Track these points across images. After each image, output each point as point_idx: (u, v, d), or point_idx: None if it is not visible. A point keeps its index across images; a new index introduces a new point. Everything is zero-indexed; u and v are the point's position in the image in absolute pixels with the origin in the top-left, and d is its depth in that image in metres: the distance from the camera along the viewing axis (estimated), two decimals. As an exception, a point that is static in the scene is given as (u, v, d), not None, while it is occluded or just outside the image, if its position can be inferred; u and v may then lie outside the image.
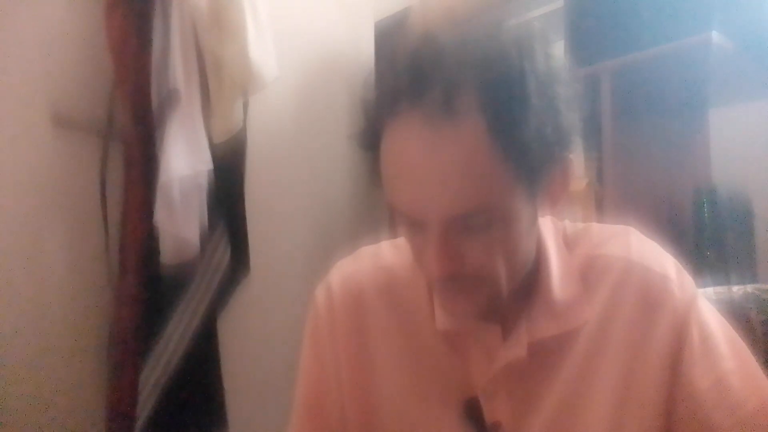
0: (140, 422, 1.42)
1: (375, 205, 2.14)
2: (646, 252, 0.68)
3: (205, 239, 1.56)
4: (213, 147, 1.58)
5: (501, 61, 0.55)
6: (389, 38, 1.88)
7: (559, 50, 1.45)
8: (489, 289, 0.61)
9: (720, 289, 0.88)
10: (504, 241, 0.59)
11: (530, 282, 0.66)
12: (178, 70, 1.51)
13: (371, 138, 0.61)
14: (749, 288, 0.87)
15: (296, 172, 1.97)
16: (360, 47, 2.13)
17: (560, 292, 0.66)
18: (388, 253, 0.77)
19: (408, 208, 0.58)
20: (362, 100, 0.63)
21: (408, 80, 0.56)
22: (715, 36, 1.24)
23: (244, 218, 1.72)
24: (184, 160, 1.50)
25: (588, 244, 0.70)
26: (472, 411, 0.67)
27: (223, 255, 1.63)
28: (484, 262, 0.59)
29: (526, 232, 0.61)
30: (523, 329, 0.66)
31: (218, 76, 1.60)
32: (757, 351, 0.66)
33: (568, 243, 0.70)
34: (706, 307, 0.66)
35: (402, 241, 0.77)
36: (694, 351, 0.63)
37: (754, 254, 1.48)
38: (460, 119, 0.54)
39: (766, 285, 0.88)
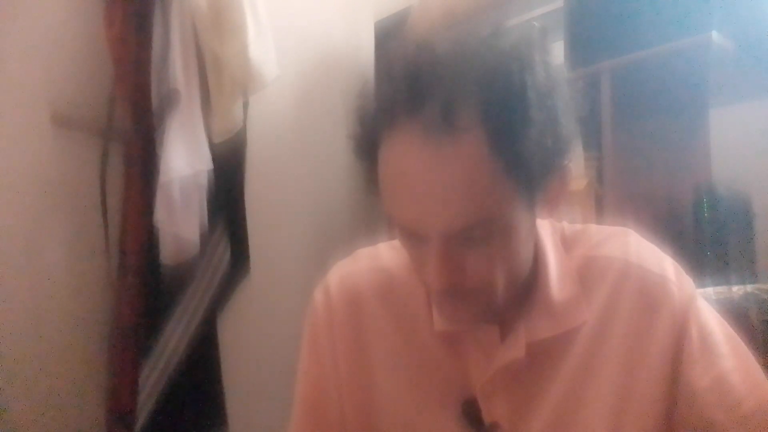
0: (140, 422, 1.42)
1: (374, 204, 2.13)
2: (644, 253, 0.68)
3: (205, 239, 1.56)
4: (213, 147, 1.58)
5: (501, 74, 0.55)
6: (387, 44, 1.88)
7: (558, 50, 1.45)
8: (488, 296, 0.62)
9: (720, 289, 0.88)
10: (504, 251, 0.59)
11: (528, 283, 0.66)
12: (178, 70, 1.51)
13: (367, 148, 0.61)
14: (749, 288, 0.87)
15: (296, 172, 1.97)
16: (360, 47, 2.13)
17: (558, 292, 0.66)
18: (386, 254, 0.77)
19: (408, 221, 0.58)
20: (358, 109, 0.62)
21: (406, 92, 0.56)
22: (715, 36, 1.24)
23: (244, 218, 1.72)
24: (184, 160, 1.50)
25: (586, 245, 0.70)
26: (470, 411, 0.67)
27: (223, 255, 1.63)
28: (484, 272, 0.59)
29: (524, 240, 0.61)
30: (521, 330, 0.66)
31: (218, 76, 1.60)
32: (757, 351, 0.66)
33: (566, 244, 0.71)
34: (705, 306, 0.67)
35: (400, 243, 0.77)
36: (694, 350, 0.63)
37: (754, 254, 1.48)
38: (460, 133, 0.54)
39: (766, 285, 0.88)
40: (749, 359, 0.65)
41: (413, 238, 0.60)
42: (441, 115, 0.54)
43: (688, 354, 0.63)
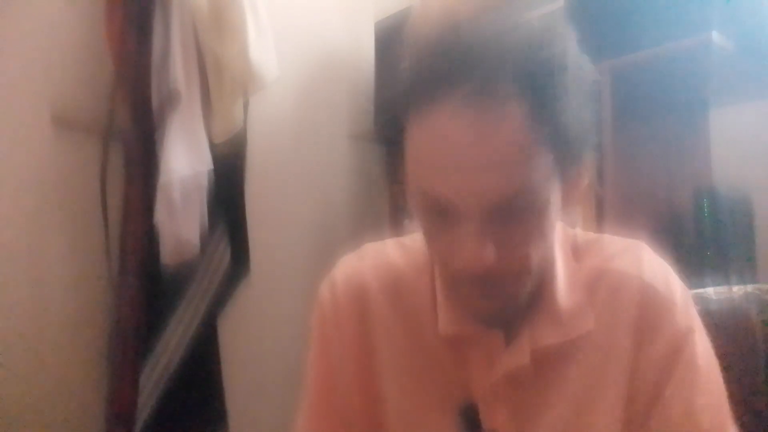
0: (140, 422, 1.42)
1: (375, 204, 2.13)
2: (656, 271, 0.68)
3: (205, 239, 1.56)
4: (213, 147, 1.58)
5: (540, 45, 0.56)
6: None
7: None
8: (513, 287, 0.61)
9: (720, 289, 0.88)
10: (536, 231, 0.58)
11: (535, 289, 0.65)
12: (178, 70, 1.51)
13: (396, 129, 0.60)
14: (749, 288, 0.87)
15: (296, 172, 1.97)
16: (360, 47, 2.13)
17: (564, 300, 0.66)
18: (393, 252, 0.76)
19: (445, 194, 0.56)
20: (383, 92, 0.62)
21: (446, 66, 0.55)
22: (715, 36, 1.24)
23: (244, 218, 1.72)
24: (184, 160, 1.50)
25: (598, 256, 0.69)
26: (470, 417, 0.66)
27: (223, 255, 1.63)
28: (516, 254, 0.58)
29: (552, 224, 0.61)
30: (525, 336, 0.65)
31: (218, 76, 1.60)
32: (757, 351, 0.66)
33: (578, 252, 0.70)
34: (700, 337, 0.66)
35: (407, 240, 0.76)
36: (680, 379, 0.63)
37: (754, 254, 1.48)
38: (503, 102, 0.54)
39: (766, 285, 0.88)
40: (722, 401, 0.65)
41: (445, 217, 0.58)
42: (483, 86, 0.53)
43: (674, 382, 0.63)
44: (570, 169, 0.59)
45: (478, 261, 0.56)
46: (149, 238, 1.47)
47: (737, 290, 0.87)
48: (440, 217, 0.58)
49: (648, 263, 0.68)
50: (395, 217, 2.00)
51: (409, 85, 0.58)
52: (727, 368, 0.68)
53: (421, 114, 0.57)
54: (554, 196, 0.58)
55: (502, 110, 0.54)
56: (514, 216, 0.56)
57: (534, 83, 0.54)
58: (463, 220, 0.56)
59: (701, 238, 1.43)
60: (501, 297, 0.61)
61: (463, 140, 0.54)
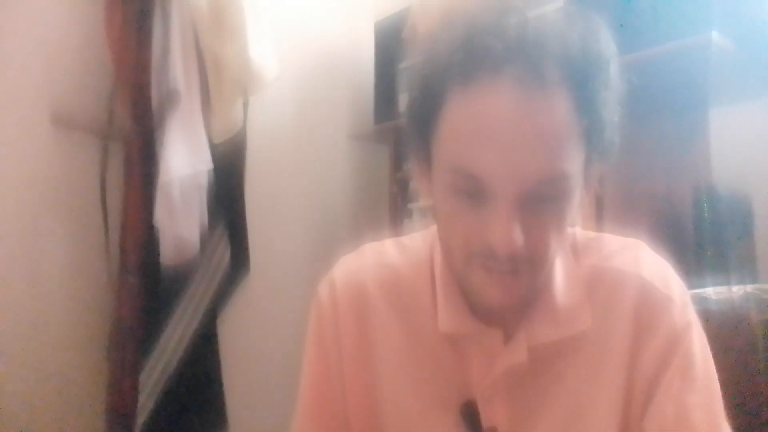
0: (140, 422, 1.42)
1: (375, 204, 2.14)
2: (655, 270, 0.68)
3: (205, 239, 1.56)
4: (213, 147, 1.58)
5: (591, 40, 0.57)
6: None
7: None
8: (529, 276, 0.60)
9: (720, 289, 0.88)
10: (557, 225, 0.59)
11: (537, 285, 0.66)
12: (178, 70, 1.51)
13: (430, 108, 0.59)
14: (749, 288, 0.87)
15: (296, 172, 1.97)
16: (360, 47, 2.13)
17: (562, 298, 0.66)
18: (391, 251, 0.76)
19: (485, 172, 0.56)
20: (418, 69, 0.61)
21: (496, 46, 0.55)
22: (715, 36, 1.24)
23: (244, 218, 1.72)
24: (184, 160, 1.50)
25: (597, 255, 0.69)
26: (469, 414, 0.67)
27: (223, 255, 1.63)
28: (537, 244, 0.58)
29: (567, 224, 0.61)
30: (523, 334, 0.65)
31: (218, 76, 1.60)
32: (757, 351, 0.66)
33: (577, 250, 0.70)
34: (697, 335, 0.66)
35: (406, 240, 0.76)
36: (674, 378, 0.63)
37: (754, 254, 1.48)
38: (550, 88, 0.55)
39: (766, 285, 0.88)
40: (716, 399, 0.65)
41: (475, 198, 0.57)
42: (532, 69, 0.54)
43: (668, 379, 0.63)
44: (594, 168, 0.60)
45: (507, 241, 0.55)
46: (149, 238, 1.47)
47: (737, 290, 0.87)
48: (470, 197, 0.58)
49: (647, 262, 0.68)
50: (395, 217, 2.00)
51: (450, 63, 0.57)
52: (726, 368, 0.68)
53: (466, 91, 0.56)
54: (578, 191, 0.59)
55: (549, 95, 0.55)
56: (544, 203, 0.57)
57: (581, 74, 0.55)
58: (495, 200, 0.56)
59: (701, 238, 1.43)
60: (516, 286, 0.60)
61: (508, 120, 0.54)
